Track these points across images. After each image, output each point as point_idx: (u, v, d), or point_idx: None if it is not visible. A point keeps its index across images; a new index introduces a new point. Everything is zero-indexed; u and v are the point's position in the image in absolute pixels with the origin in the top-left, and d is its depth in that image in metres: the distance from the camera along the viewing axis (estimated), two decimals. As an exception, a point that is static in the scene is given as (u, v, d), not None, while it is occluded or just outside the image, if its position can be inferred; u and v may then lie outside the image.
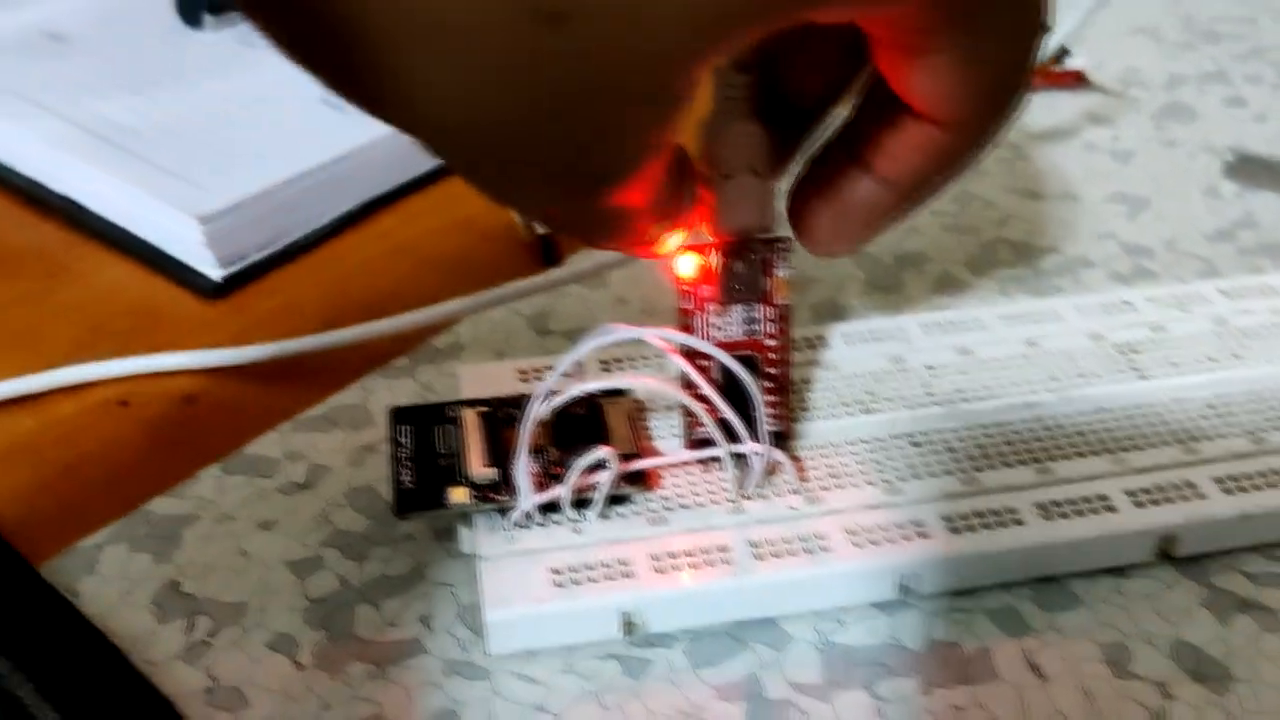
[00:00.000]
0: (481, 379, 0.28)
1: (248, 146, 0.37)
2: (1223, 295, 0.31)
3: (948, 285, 0.34)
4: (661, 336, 0.25)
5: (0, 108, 0.40)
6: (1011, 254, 0.35)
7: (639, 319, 0.33)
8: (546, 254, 0.35)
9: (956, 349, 0.29)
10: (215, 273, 0.34)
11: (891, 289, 0.34)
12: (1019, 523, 0.25)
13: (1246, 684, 0.23)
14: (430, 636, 0.24)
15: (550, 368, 0.28)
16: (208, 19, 0.44)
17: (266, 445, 0.29)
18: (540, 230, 0.35)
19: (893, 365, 0.29)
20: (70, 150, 0.37)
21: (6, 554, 0.26)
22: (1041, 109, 0.43)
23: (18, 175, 0.39)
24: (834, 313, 0.33)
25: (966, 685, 0.23)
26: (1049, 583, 0.25)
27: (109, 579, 0.25)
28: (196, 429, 0.30)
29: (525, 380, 0.28)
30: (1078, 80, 0.44)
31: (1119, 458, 0.26)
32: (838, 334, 0.30)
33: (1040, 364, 0.28)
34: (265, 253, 0.35)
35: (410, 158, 0.39)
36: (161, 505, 0.27)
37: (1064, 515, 0.25)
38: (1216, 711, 0.22)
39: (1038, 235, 0.36)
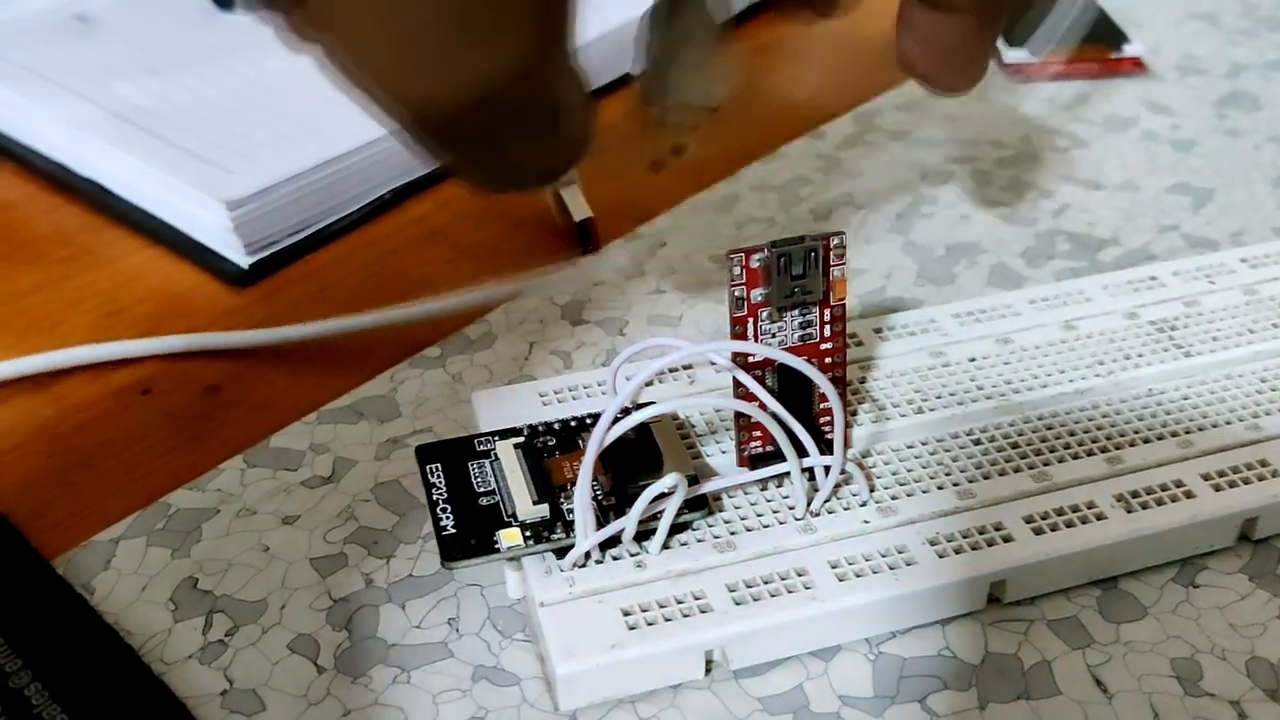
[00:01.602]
0: (498, 404, 0.26)
1: (278, 130, 0.36)
2: (1245, 264, 0.30)
3: (1002, 278, 0.32)
4: (721, 351, 0.23)
5: (25, 90, 0.39)
6: (1070, 245, 0.34)
7: (676, 309, 0.31)
8: (583, 240, 0.34)
9: (996, 338, 0.28)
10: (243, 259, 0.33)
11: (942, 281, 0.32)
12: (1101, 517, 0.23)
13: (1328, 703, 0.21)
14: (457, 640, 0.23)
15: (573, 390, 0.27)
16: (238, 1, 0.43)
17: (291, 437, 0.28)
18: (578, 217, 0.34)
19: (934, 360, 0.27)
20: (96, 133, 0.36)
21: (19, 548, 0.25)
22: (1099, 96, 0.41)
23: (43, 158, 0.38)
24: (883, 306, 0.31)
25: (1025, 700, 0.21)
26: (1113, 591, 0.23)
27: (125, 574, 0.24)
28: (219, 419, 0.28)
29: (548, 404, 0.26)
30: (1135, 66, 0.42)
31: (1185, 440, 0.25)
32: (868, 330, 0.28)
33: (1082, 348, 0.27)
34: (295, 239, 0.34)
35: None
36: (181, 498, 0.26)
37: (1145, 506, 0.24)
38: (1296, 733, 0.21)
39: (1097, 227, 0.34)
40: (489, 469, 0.24)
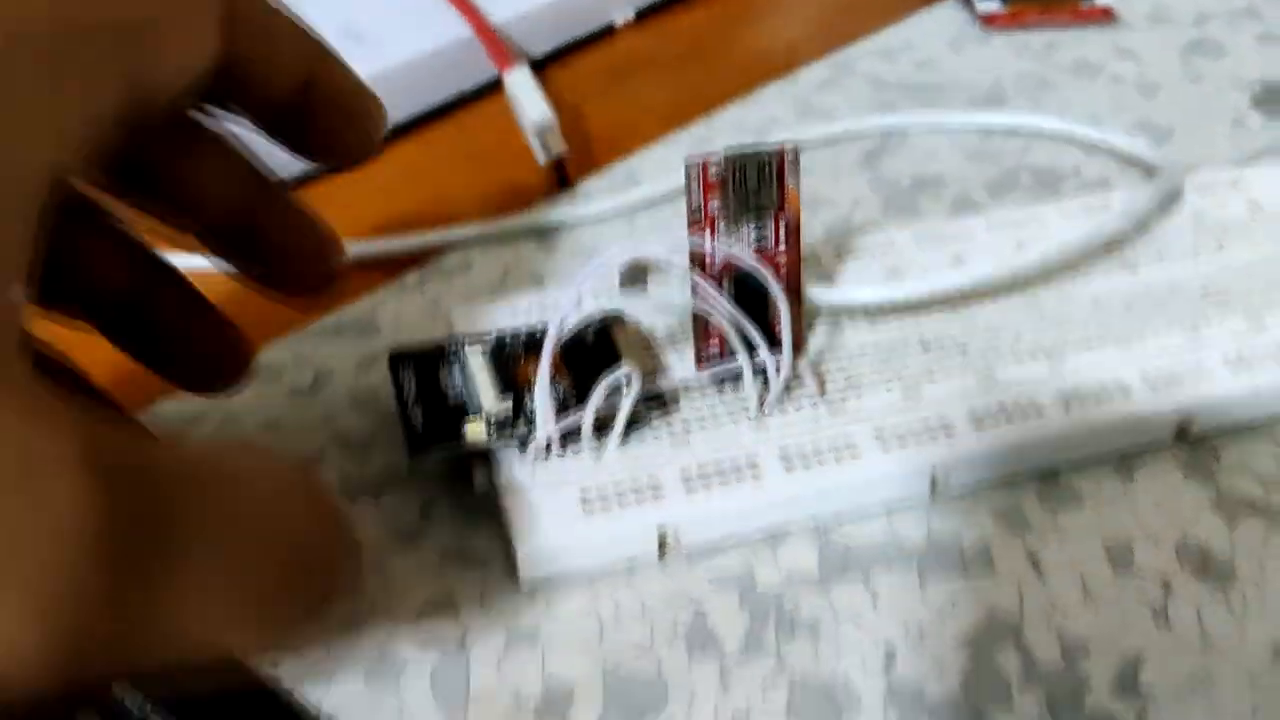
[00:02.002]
0: (474, 318, 0.28)
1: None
2: (1196, 192, 0.31)
3: (965, 208, 0.34)
4: (676, 251, 0.24)
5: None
6: (1033, 179, 0.35)
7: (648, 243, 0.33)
8: (560, 177, 0.35)
9: (951, 257, 0.29)
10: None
11: (907, 210, 0.33)
12: (1041, 413, 0.24)
13: (1252, 583, 0.22)
14: (429, 526, 0.24)
15: (543, 305, 0.28)
16: None
17: (275, 352, 0.29)
18: (555, 152, 0.35)
19: (890, 276, 0.28)
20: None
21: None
22: (1070, 44, 0.42)
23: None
24: (847, 236, 0.32)
25: (964, 578, 0.23)
26: (1052, 483, 0.24)
27: (114, 472, 0.26)
28: (207, 338, 0.30)
29: (519, 317, 0.28)
30: (1105, 16, 0.43)
31: (1125, 346, 0.26)
32: (829, 250, 0.29)
33: (1032, 266, 0.28)
34: (284, 176, 0.35)
35: (427, 88, 0.39)
36: (169, 407, 0.27)
37: (1082, 402, 0.25)
38: (1219, 607, 0.22)
39: (1059, 163, 0.35)
40: (456, 372, 0.25)
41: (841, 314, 0.27)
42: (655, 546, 0.23)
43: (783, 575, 0.23)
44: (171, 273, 0.22)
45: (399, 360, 0.26)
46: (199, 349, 0.23)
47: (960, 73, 0.40)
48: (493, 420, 0.24)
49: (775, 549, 0.23)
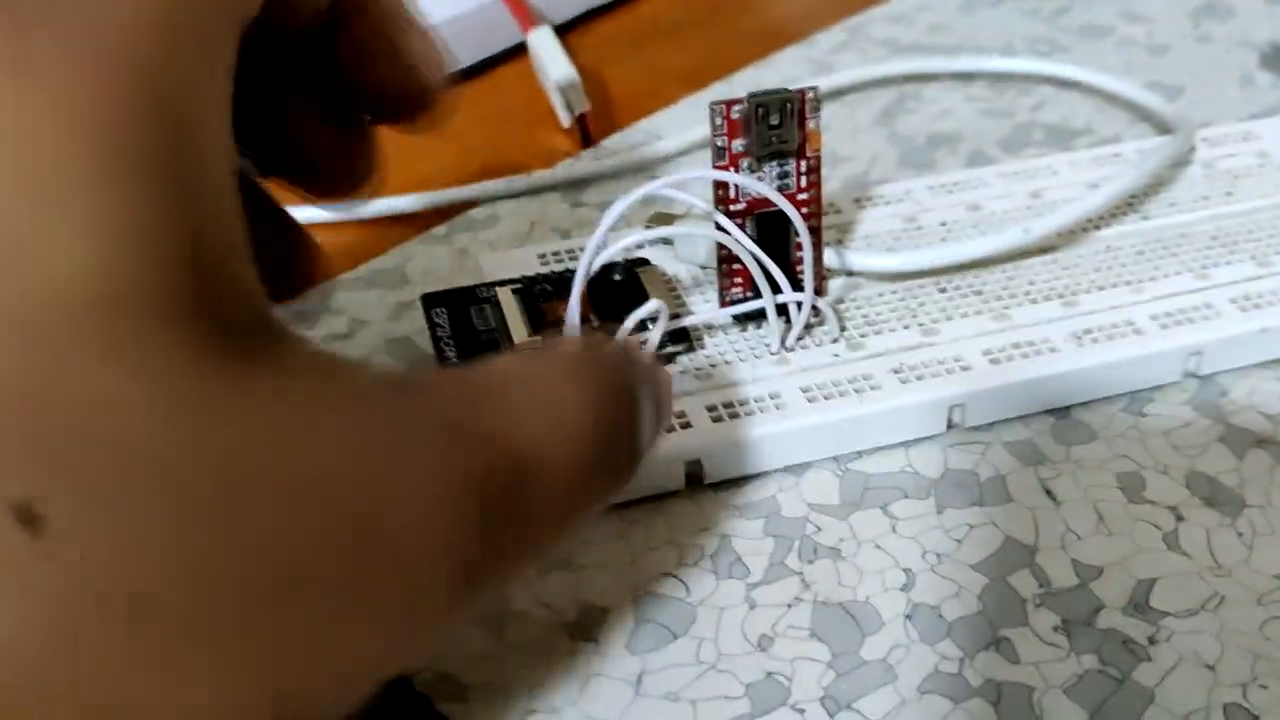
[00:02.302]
0: (505, 265, 0.29)
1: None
2: (1207, 144, 0.32)
3: (979, 162, 0.34)
4: (701, 180, 0.25)
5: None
6: (1045, 135, 0.35)
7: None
8: (584, 137, 0.36)
9: (966, 206, 0.30)
10: (263, 152, 0.35)
11: (923, 166, 0.34)
12: (1054, 350, 0.25)
13: (1259, 509, 0.23)
14: (462, 462, 0.25)
15: (570, 252, 0.29)
16: None
17: (307, 303, 0.30)
18: (577, 111, 0.36)
19: (908, 224, 0.29)
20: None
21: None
22: (1079, 7, 0.43)
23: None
24: (865, 188, 0.33)
25: (980, 506, 0.23)
26: (1066, 418, 0.25)
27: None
28: (243, 289, 0.31)
29: (547, 264, 0.29)
30: (1117, -20, 0.44)
31: (1137, 288, 0.27)
32: (848, 200, 0.30)
33: (1047, 213, 0.29)
34: (312, 135, 0.36)
35: (453, 50, 0.40)
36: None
37: (1095, 340, 0.25)
38: (1228, 532, 0.23)
39: (1071, 119, 0.36)
40: (489, 311, 0.26)
41: (862, 259, 0.28)
42: (683, 477, 0.24)
43: (805, 504, 0.24)
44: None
45: (432, 300, 0.27)
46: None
47: (972, 36, 0.41)
48: None
49: (798, 478, 0.24)
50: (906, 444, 0.25)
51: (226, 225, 0.14)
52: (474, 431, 0.15)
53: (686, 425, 0.24)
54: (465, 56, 0.40)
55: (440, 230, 0.32)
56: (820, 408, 0.24)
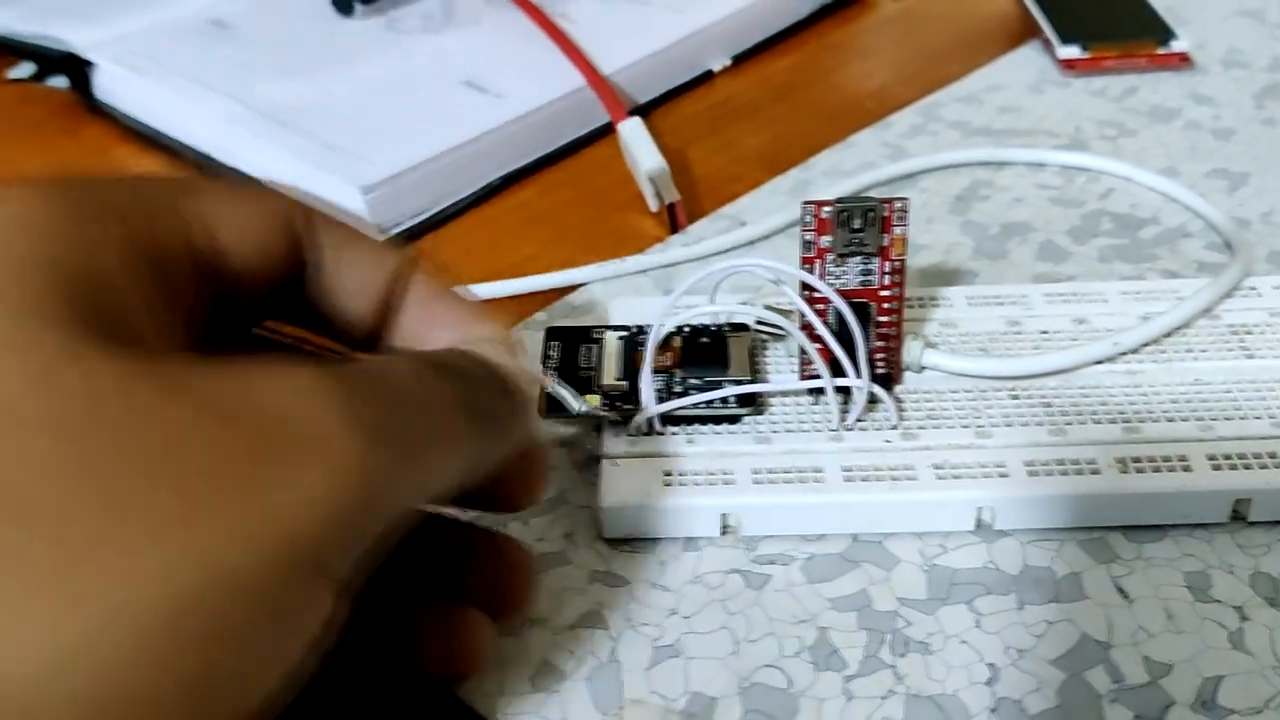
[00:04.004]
0: (630, 311, 0.32)
1: (400, 123, 0.41)
2: None
3: (1049, 254, 0.36)
4: (781, 272, 0.28)
5: (174, 88, 0.44)
6: (1113, 224, 0.37)
7: (757, 280, 0.35)
8: (671, 221, 0.38)
9: (1073, 318, 0.31)
10: (373, 237, 0.38)
11: (996, 256, 0.36)
12: (1095, 472, 0.27)
13: (1321, 611, 0.25)
14: (574, 550, 0.27)
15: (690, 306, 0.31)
16: (359, 7, 0.48)
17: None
18: (667, 200, 0.38)
19: (1009, 328, 0.31)
20: (240, 127, 0.41)
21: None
22: (1146, 89, 0.44)
23: (192, 150, 0.43)
24: (943, 277, 0.35)
25: (1057, 603, 0.25)
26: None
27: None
28: (361, 372, 0.33)
29: (668, 315, 0.31)
30: (1182, 61, 0.45)
31: (1206, 425, 0.28)
32: (961, 295, 0.32)
33: (1151, 337, 0.30)
34: (417, 220, 0.39)
35: (545, 135, 0.42)
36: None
37: (1141, 470, 0.27)
38: (1291, 633, 0.24)
39: (1139, 208, 0.38)
40: (594, 351, 0.30)
41: (948, 354, 0.29)
42: (718, 528, 0.27)
43: (895, 598, 0.26)
44: None
45: (553, 334, 0.31)
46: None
47: (1043, 118, 0.43)
48: (608, 395, 0.28)
49: (889, 573, 0.26)
50: (987, 539, 0.27)
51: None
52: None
53: (730, 481, 0.27)
54: (554, 140, 0.42)
55: (541, 315, 0.35)
56: (855, 488, 0.27)
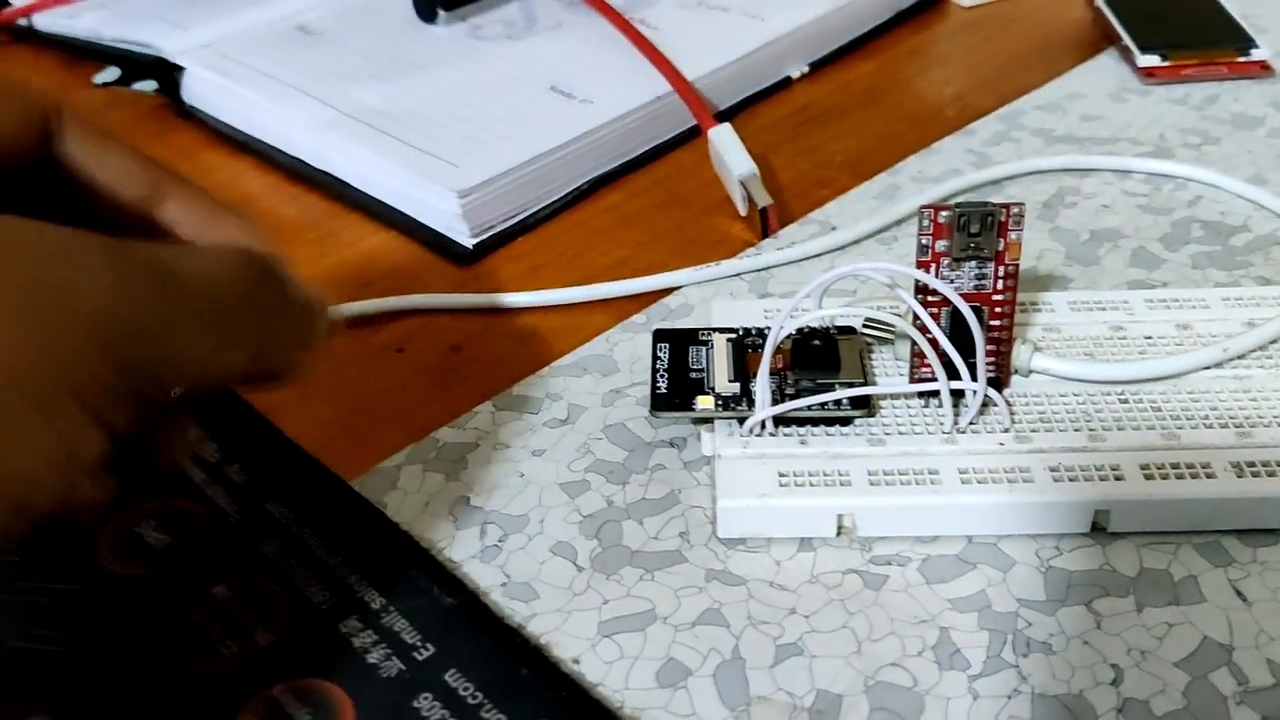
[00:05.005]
0: (732, 313, 0.32)
1: (490, 129, 0.41)
2: None
3: (1142, 260, 0.36)
4: (899, 274, 0.28)
5: (266, 92, 0.44)
6: (1203, 231, 0.37)
7: (849, 284, 0.36)
8: (763, 225, 0.38)
9: (1177, 324, 0.31)
10: (468, 240, 0.38)
11: (1088, 262, 0.36)
12: (1211, 476, 0.27)
13: None
14: (689, 549, 0.27)
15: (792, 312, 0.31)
16: (441, 14, 0.49)
17: (529, 387, 0.33)
18: (760, 204, 0.38)
19: (1112, 333, 0.31)
20: (332, 131, 0.42)
21: (320, 471, 0.30)
22: (1228, 98, 0.44)
23: (283, 154, 0.44)
24: (1036, 282, 0.35)
25: (1176, 606, 0.25)
26: (1252, 522, 0.27)
27: (409, 493, 0.29)
28: (464, 372, 0.34)
29: (768, 317, 0.32)
30: (1263, 69, 0.46)
31: None
32: (1064, 301, 0.32)
33: (1257, 343, 0.30)
34: (509, 223, 0.39)
35: (632, 140, 0.43)
36: (445, 434, 0.31)
37: (1256, 474, 0.27)
38: None
39: (1229, 215, 0.38)
40: (703, 353, 0.30)
41: (1056, 358, 0.30)
42: (834, 529, 0.27)
43: (1014, 599, 0.26)
44: None
45: (661, 336, 0.31)
46: None
47: (1125, 127, 0.43)
48: (721, 397, 0.29)
49: (1005, 574, 0.26)
50: (1102, 541, 0.27)
51: None
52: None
53: (846, 483, 0.27)
54: (641, 145, 0.43)
55: (639, 318, 0.35)
56: (972, 490, 0.27)
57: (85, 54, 0.53)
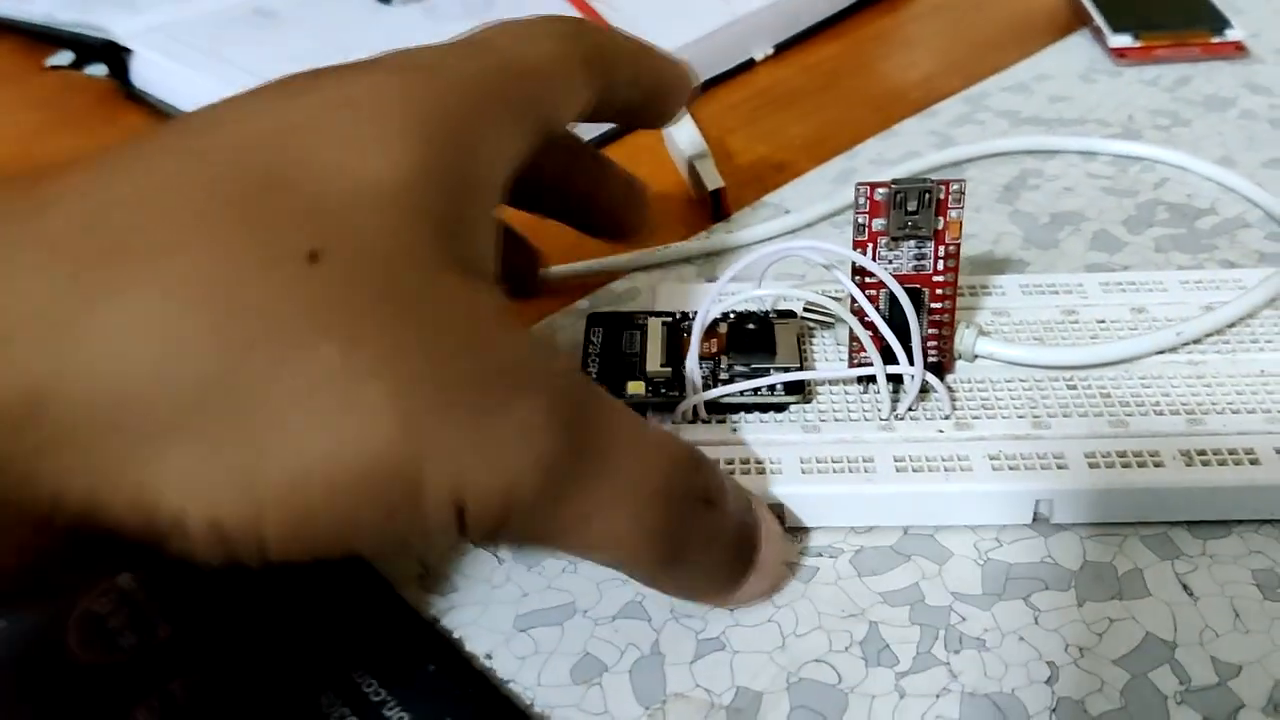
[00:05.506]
0: (674, 296, 0.31)
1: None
2: None
3: (1104, 243, 0.35)
4: (833, 254, 0.27)
5: (215, 75, 0.43)
6: (1168, 214, 0.36)
7: (800, 268, 0.35)
8: (715, 208, 0.37)
9: (1132, 308, 0.30)
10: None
11: (1048, 245, 0.35)
12: (1159, 465, 0.25)
13: (1397, 611, 0.24)
14: (616, 540, 0.26)
15: (734, 294, 0.30)
16: (397, -5, 0.48)
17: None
18: (711, 187, 0.37)
19: (1064, 317, 0.30)
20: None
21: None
22: (1201, 79, 0.43)
23: (230, 137, 0.42)
24: (991, 266, 0.34)
25: (1119, 600, 0.24)
26: (1201, 513, 0.26)
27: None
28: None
29: (714, 303, 0.30)
30: (1237, 50, 0.44)
31: (1274, 417, 0.26)
32: (1015, 284, 0.31)
33: (1213, 327, 0.29)
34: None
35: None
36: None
37: (1206, 463, 0.25)
38: (1366, 633, 0.23)
39: (1196, 198, 0.37)
40: (637, 337, 0.29)
41: (1003, 342, 0.28)
42: None
43: (949, 593, 0.25)
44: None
45: (595, 320, 0.30)
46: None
47: (1094, 108, 0.42)
48: (652, 382, 0.28)
49: (941, 567, 0.25)
50: (1045, 533, 0.26)
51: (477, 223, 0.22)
52: None
53: (777, 471, 0.26)
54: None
55: (583, 304, 0.34)
56: (907, 479, 0.26)
57: (40, 38, 0.52)
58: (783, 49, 0.48)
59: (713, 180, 0.37)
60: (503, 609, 0.25)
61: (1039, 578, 0.25)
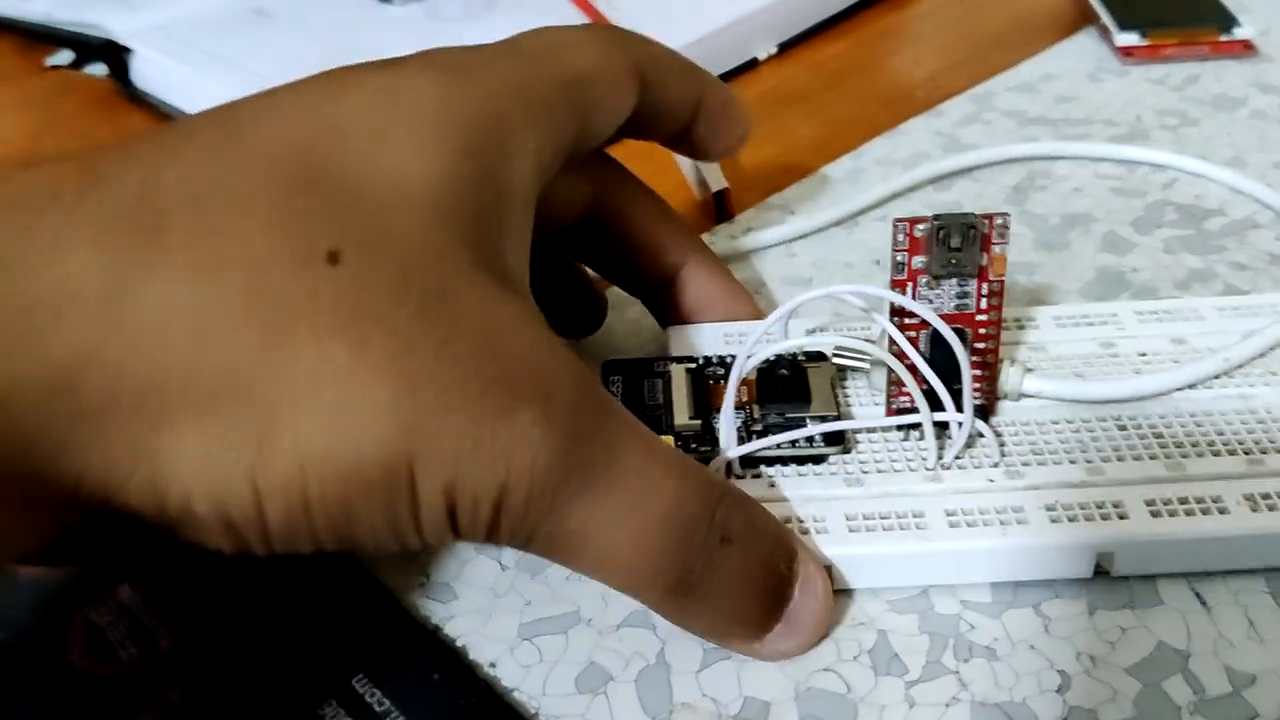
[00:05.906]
0: (689, 339, 0.30)
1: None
2: None
3: (1112, 245, 0.35)
4: (873, 296, 0.25)
5: (214, 75, 0.43)
6: (1177, 215, 0.36)
7: (806, 271, 0.34)
8: (719, 209, 0.37)
9: (1171, 338, 0.29)
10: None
11: (1057, 248, 0.35)
12: (1223, 511, 0.24)
13: None
14: (621, 547, 0.26)
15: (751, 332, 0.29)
16: (398, -6, 0.47)
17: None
18: (715, 188, 0.37)
19: (1103, 350, 0.28)
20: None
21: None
22: (1209, 78, 0.43)
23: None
24: (1013, 294, 0.34)
25: (1131, 609, 0.24)
26: (1214, 519, 0.26)
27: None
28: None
29: (730, 344, 0.29)
30: (1245, 49, 0.44)
31: None
32: (1049, 316, 0.29)
33: (1259, 357, 0.28)
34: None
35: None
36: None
37: (1272, 508, 0.24)
38: (1382, 643, 0.23)
39: (1205, 199, 0.36)
40: (660, 386, 0.27)
41: (1044, 381, 0.27)
42: None
43: (958, 602, 0.24)
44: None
45: (612, 368, 0.28)
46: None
47: (1101, 107, 0.41)
48: (681, 436, 0.26)
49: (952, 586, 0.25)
50: (1054, 584, 0.25)
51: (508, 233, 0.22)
52: None
53: (822, 530, 0.24)
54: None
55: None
56: (961, 534, 0.24)
57: (40, 37, 0.51)
58: (786, 48, 0.47)
59: (716, 181, 0.37)
60: (507, 617, 0.25)
61: (1049, 586, 0.25)
